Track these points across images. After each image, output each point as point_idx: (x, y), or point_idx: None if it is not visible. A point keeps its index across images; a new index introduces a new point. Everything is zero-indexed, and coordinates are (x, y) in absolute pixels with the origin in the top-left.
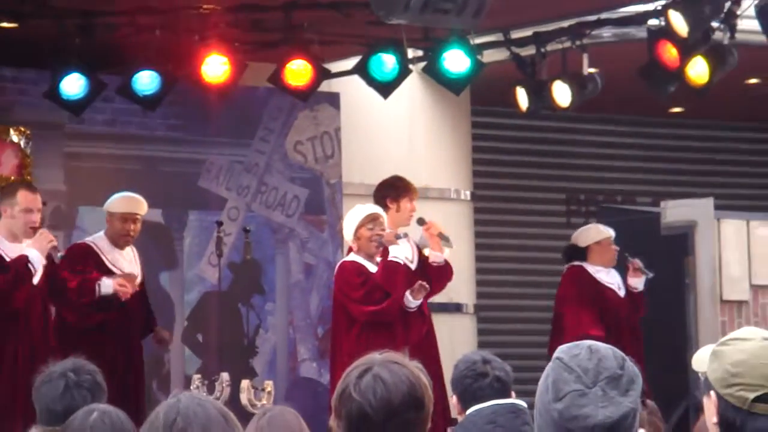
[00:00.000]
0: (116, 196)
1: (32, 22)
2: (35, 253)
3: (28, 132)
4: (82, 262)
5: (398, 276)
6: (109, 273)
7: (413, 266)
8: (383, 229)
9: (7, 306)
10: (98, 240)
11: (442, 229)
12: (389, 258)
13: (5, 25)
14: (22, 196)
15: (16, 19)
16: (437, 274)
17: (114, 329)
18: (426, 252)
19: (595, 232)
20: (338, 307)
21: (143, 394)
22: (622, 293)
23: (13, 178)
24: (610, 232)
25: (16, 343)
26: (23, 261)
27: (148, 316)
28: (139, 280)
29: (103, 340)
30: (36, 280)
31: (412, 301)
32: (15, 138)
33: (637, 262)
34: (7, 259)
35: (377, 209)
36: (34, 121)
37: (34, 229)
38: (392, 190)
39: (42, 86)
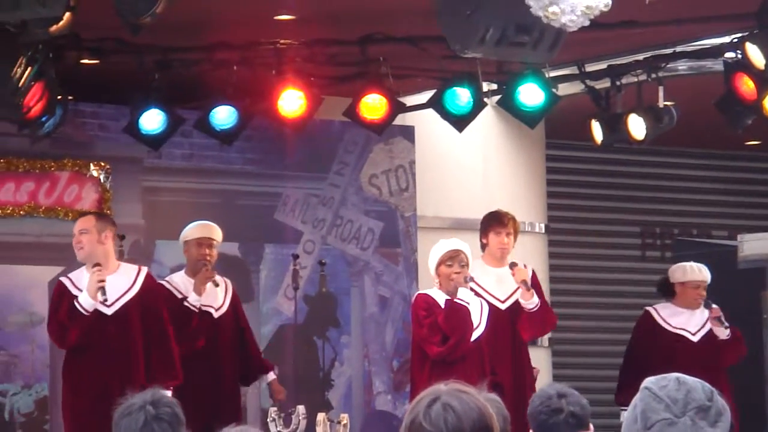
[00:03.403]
0: (189, 225)
1: (112, 58)
2: (84, 296)
3: (108, 167)
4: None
5: (460, 319)
6: (189, 312)
7: (503, 305)
8: (464, 266)
9: (60, 346)
10: (174, 278)
11: (525, 276)
12: (455, 299)
13: (86, 61)
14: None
15: (98, 56)
16: (530, 319)
17: (204, 355)
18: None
19: (682, 273)
20: (414, 341)
21: (239, 417)
22: (696, 338)
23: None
24: (698, 276)
25: (95, 373)
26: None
27: (254, 357)
28: (220, 311)
29: (192, 368)
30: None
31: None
32: (95, 173)
33: (716, 311)
34: (74, 292)
35: (460, 245)
36: (114, 156)
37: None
38: (482, 225)
39: (121, 121)
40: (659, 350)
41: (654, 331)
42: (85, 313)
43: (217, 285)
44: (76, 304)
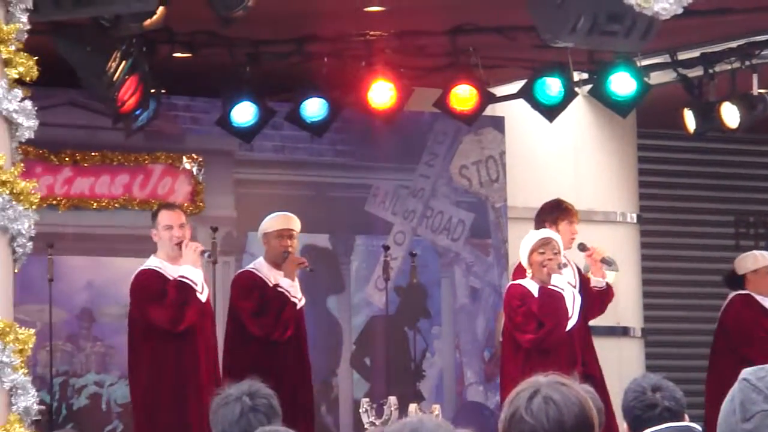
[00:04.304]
0: (268, 217)
1: (204, 51)
2: (189, 268)
3: (200, 159)
4: (250, 289)
5: (556, 305)
6: (278, 295)
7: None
8: (556, 253)
9: (177, 327)
10: (258, 265)
11: (606, 253)
12: (549, 286)
13: (179, 55)
14: (162, 215)
15: (190, 49)
16: (598, 299)
17: (289, 345)
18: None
19: (752, 261)
20: (506, 331)
21: (312, 411)
22: None
23: (185, 204)
24: None
25: (189, 360)
26: (175, 283)
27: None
28: (301, 302)
29: (278, 354)
30: (204, 297)
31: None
32: (188, 165)
33: None
34: (171, 279)
35: (551, 234)
36: (206, 149)
37: (179, 245)
38: (550, 214)
39: (213, 114)
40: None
41: (761, 312)
42: (196, 288)
43: (312, 270)
44: (184, 280)
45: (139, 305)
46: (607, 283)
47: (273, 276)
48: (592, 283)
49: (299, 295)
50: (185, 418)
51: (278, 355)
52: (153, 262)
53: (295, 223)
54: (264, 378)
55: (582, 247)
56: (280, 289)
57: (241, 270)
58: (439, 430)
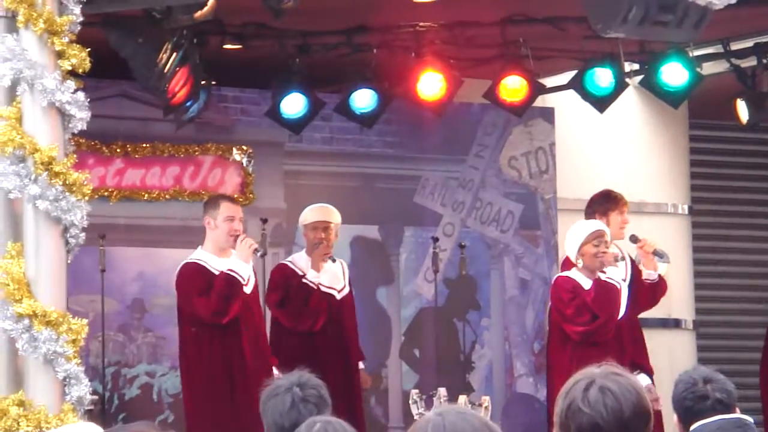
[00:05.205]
0: (306, 209)
1: (254, 43)
2: (240, 263)
3: (250, 151)
4: (278, 281)
5: (610, 298)
6: (309, 289)
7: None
8: (608, 246)
9: (221, 319)
10: (296, 258)
11: (657, 245)
12: (605, 278)
13: (229, 46)
14: (225, 206)
15: (240, 41)
16: (649, 291)
17: (328, 335)
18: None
19: None
20: (553, 323)
21: (360, 402)
22: None
23: (236, 195)
24: None
25: (234, 351)
26: (224, 276)
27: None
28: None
29: (318, 345)
30: (249, 289)
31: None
32: (237, 157)
33: None
34: (216, 273)
35: (602, 226)
36: (256, 140)
37: (236, 238)
38: (599, 205)
39: (263, 106)
40: None
41: None
42: (242, 281)
43: (333, 261)
44: (232, 274)
45: (184, 297)
46: (660, 276)
47: (306, 267)
48: (644, 276)
49: (340, 285)
50: (234, 408)
51: (314, 345)
52: (199, 255)
53: (332, 215)
54: (307, 367)
55: (633, 239)
56: (305, 280)
57: (278, 264)
58: (461, 422)
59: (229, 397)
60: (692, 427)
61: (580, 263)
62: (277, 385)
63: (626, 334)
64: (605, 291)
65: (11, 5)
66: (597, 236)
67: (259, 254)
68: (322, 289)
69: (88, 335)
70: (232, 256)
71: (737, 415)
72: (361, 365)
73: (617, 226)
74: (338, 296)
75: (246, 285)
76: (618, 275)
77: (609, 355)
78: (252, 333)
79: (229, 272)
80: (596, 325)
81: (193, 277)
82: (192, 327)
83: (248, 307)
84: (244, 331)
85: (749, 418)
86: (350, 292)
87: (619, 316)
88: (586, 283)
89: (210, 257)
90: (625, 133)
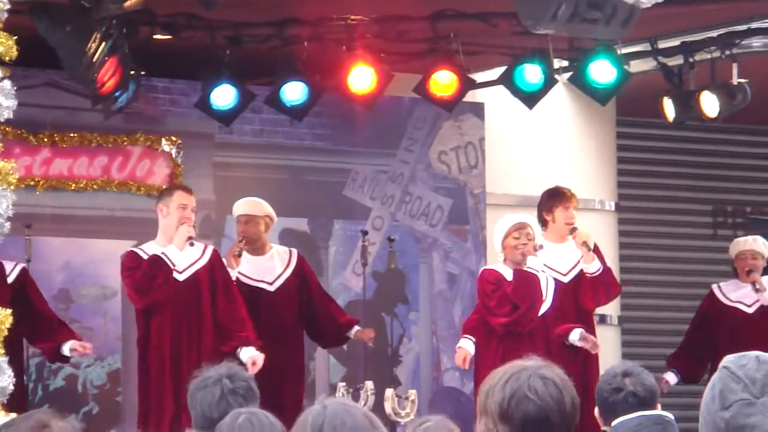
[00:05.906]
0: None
1: (184, 34)
2: (173, 250)
3: (180, 142)
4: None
5: (530, 287)
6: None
7: (566, 278)
8: (530, 239)
9: (144, 296)
10: (146, 247)
11: (586, 237)
12: (525, 268)
13: (159, 37)
14: (178, 195)
15: (170, 31)
16: (590, 285)
17: (262, 329)
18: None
19: (734, 246)
20: (480, 316)
21: (301, 394)
22: (752, 310)
23: (164, 186)
24: (743, 246)
25: (164, 338)
26: (151, 257)
27: (337, 318)
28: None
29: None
30: (183, 277)
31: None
32: (167, 148)
33: (755, 277)
34: (144, 257)
35: (525, 218)
36: (185, 131)
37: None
38: (546, 201)
39: (193, 97)
40: (717, 324)
41: (713, 304)
42: (171, 265)
43: (192, 245)
44: (159, 255)
45: (123, 281)
46: (605, 269)
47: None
48: (584, 270)
49: (271, 277)
50: (174, 396)
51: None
52: (143, 245)
53: (253, 207)
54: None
55: (571, 231)
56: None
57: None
58: (343, 413)
59: (167, 383)
60: (613, 424)
61: (501, 257)
62: (206, 377)
63: (553, 328)
64: (525, 280)
65: None
66: (518, 228)
67: (189, 244)
68: (250, 283)
69: None
70: (170, 245)
71: (658, 411)
72: (356, 327)
73: (562, 222)
74: (271, 288)
75: (181, 273)
76: (538, 264)
77: (535, 348)
78: (187, 321)
79: (158, 255)
80: (517, 315)
81: (127, 260)
82: (137, 312)
83: (183, 296)
84: (177, 318)
85: (670, 415)
86: (289, 283)
87: (544, 308)
88: (509, 275)
89: (152, 247)
90: (554, 129)
